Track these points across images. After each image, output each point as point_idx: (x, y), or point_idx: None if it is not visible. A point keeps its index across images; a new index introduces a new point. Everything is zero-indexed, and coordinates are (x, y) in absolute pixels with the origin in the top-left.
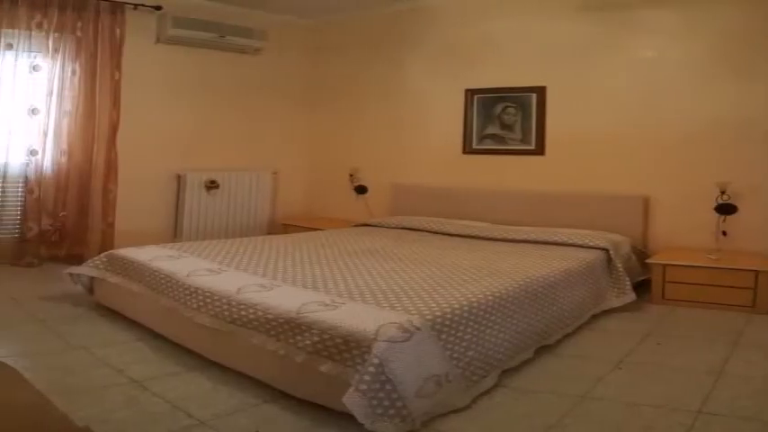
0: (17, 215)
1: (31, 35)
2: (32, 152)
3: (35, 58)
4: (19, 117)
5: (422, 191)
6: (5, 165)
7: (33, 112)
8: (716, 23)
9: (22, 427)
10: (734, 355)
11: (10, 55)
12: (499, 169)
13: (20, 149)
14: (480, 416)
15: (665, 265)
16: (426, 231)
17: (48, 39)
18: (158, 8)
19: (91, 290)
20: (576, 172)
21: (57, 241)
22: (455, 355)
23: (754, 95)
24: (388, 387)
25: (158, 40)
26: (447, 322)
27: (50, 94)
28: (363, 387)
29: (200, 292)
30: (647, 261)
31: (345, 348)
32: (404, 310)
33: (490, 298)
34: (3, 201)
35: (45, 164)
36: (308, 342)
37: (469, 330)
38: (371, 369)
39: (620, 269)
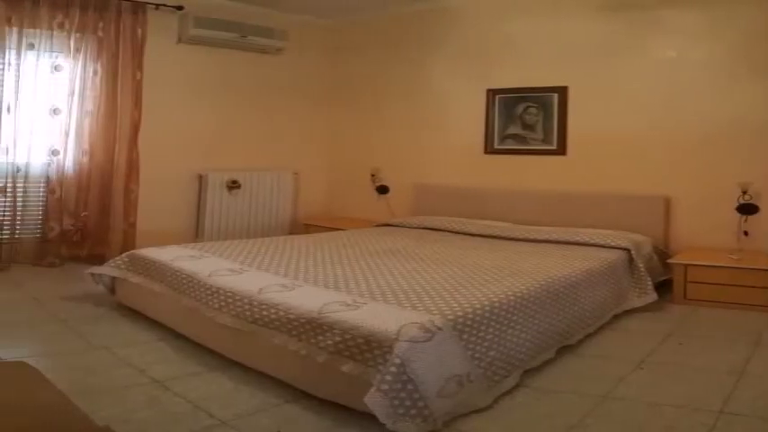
0: (39, 215)
1: (52, 35)
2: (54, 152)
3: (57, 58)
4: (40, 117)
5: (443, 191)
6: (27, 165)
7: (55, 112)
8: (737, 24)
9: (44, 427)
10: (755, 355)
11: (32, 55)
12: (521, 169)
13: (41, 149)
14: (502, 416)
15: (686, 265)
16: (448, 231)
17: (69, 39)
18: (180, 8)
19: (112, 290)
20: (598, 172)
21: (78, 241)
22: (477, 355)
23: None
24: (409, 387)
25: (180, 40)
26: (468, 322)
27: (72, 94)
28: (385, 387)
29: (221, 291)
30: (669, 261)
31: (367, 348)
32: (425, 310)
33: (512, 298)
34: (24, 201)
35: (67, 164)
36: (329, 342)
37: (491, 330)
38: (393, 369)
39: (642, 269)
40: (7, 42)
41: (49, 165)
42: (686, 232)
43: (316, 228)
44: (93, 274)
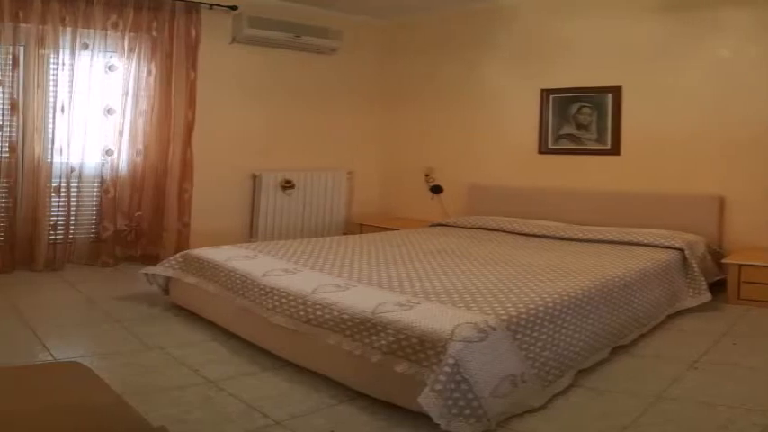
0: (93, 215)
1: (106, 35)
2: (108, 152)
3: (111, 57)
4: (94, 117)
5: (497, 191)
6: (81, 165)
7: (109, 112)
8: None
9: (99, 428)
10: None
11: (86, 55)
12: (575, 169)
13: (95, 149)
14: (556, 416)
15: (740, 266)
16: (502, 231)
17: (123, 39)
18: (234, 8)
19: (166, 290)
20: (652, 172)
21: (132, 241)
22: (530, 356)
23: None
24: (463, 387)
25: (234, 40)
26: (522, 322)
27: (126, 94)
28: (439, 387)
29: (275, 291)
30: (723, 261)
31: (421, 348)
32: (479, 310)
33: (566, 298)
34: (79, 201)
35: (120, 164)
36: (383, 342)
37: (545, 330)
38: (447, 369)
39: (696, 269)
40: (61, 42)
41: (102, 165)
42: (740, 232)
43: (370, 228)
44: (146, 275)
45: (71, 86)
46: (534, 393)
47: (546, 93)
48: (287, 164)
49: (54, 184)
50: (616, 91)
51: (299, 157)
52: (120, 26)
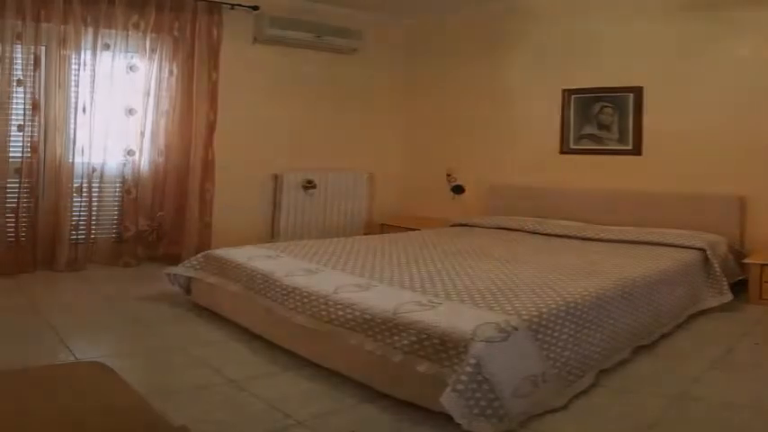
0: (114, 215)
1: (128, 35)
2: (130, 152)
3: (132, 58)
4: (116, 117)
5: (519, 191)
6: (103, 165)
7: (130, 112)
8: None
9: (121, 428)
10: None
11: (107, 55)
12: (596, 169)
13: (117, 150)
14: (577, 416)
15: (762, 266)
16: (523, 231)
17: (145, 39)
18: (255, 8)
19: (188, 290)
20: (673, 172)
21: (154, 241)
22: (552, 356)
23: None
24: (485, 387)
25: (255, 40)
26: (544, 322)
27: (147, 94)
28: (460, 387)
29: (297, 292)
30: (745, 261)
31: (442, 348)
32: (501, 310)
33: (587, 298)
34: (100, 201)
35: (142, 164)
36: (405, 342)
37: (566, 330)
38: (469, 369)
39: (718, 269)
40: (83, 42)
41: (124, 165)
42: (762, 232)
43: (391, 228)
44: (168, 275)
45: (92, 87)
46: (555, 393)
47: (567, 93)
48: (308, 164)
49: (75, 185)
50: (638, 91)
51: (320, 158)
52: (142, 26)
